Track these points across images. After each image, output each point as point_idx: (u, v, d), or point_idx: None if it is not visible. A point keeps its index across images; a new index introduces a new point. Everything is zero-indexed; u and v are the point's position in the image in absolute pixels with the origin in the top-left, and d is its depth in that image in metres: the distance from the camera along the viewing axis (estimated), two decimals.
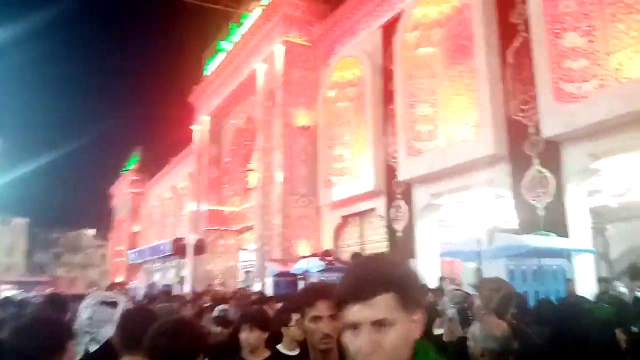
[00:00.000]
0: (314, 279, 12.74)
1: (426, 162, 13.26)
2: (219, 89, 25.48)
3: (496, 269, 7.22)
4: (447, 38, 14.11)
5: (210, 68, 26.45)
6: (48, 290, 22.36)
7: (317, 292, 2.09)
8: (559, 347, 4.24)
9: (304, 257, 15.58)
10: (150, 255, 33.30)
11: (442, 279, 10.67)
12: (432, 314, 5.57)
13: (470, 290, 6.94)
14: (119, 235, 45.74)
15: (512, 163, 11.04)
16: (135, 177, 42.69)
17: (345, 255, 15.51)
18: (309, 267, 13.80)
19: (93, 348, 2.78)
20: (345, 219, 17.26)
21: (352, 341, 1.05)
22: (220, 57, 25.04)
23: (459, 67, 13.61)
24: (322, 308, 1.97)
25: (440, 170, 12.77)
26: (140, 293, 18.78)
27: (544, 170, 10.30)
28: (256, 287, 15.83)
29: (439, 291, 8.20)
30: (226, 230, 25.12)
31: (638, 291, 7.84)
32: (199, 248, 25.33)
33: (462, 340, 3.46)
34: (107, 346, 2.62)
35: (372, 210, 15.79)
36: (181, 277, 28.08)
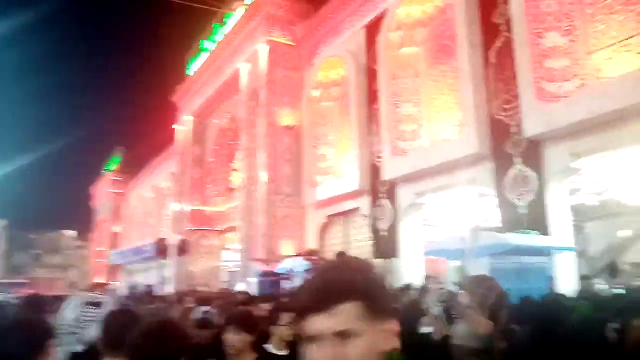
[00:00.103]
0: (298, 279, 12.70)
1: (410, 162, 13.32)
2: (202, 88, 25.27)
3: (480, 267, 7.27)
4: (430, 38, 14.19)
5: (193, 68, 26.24)
6: (27, 292, 21.91)
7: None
8: (541, 344, 4.27)
9: (289, 257, 15.53)
10: (133, 256, 32.91)
11: (427, 277, 10.72)
12: (418, 313, 5.57)
13: (455, 289, 6.97)
14: (100, 236, 45.13)
15: (495, 162, 11.14)
16: (117, 178, 42.18)
17: (330, 254, 15.50)
18: (294, 267, 13.76)
19: (78, 349, 2.75)
20: (330, 218, 17.25)
21: (314, 355, 0.95)
22: (203, 57, 24.85)
23: (442, 67, 13.70)
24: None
25: (424, 170, 12.84)
26: (122, 294, 18.50)
27: (526, 169, 10.42)
28: (240, 288, 15.73)
29: (425, 290, 8.22)
30: (210, 230, 24.94)
31: (617, 288, 7.98)
32: (182, 249, 25.08)
33: (447, 339, 3.46)
34: (93, 347, 2.59)
35: (356, 209, 15.81)
36: (164, 278, 27.77)
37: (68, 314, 2.91)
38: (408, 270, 12.97)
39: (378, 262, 13.87)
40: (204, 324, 5.23)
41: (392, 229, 14.06)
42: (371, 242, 14.81)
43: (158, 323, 2.00)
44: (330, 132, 17.86)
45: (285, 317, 2.82)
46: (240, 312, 3.65)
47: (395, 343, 1.01)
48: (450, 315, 5.31)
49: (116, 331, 2.23)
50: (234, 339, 3.18)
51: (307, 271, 13.08)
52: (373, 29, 15.24)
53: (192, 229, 24.82)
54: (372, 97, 15.13)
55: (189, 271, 24.80)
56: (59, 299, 4.99)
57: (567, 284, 8.71)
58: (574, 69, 10.00)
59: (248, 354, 3.19)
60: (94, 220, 48.80)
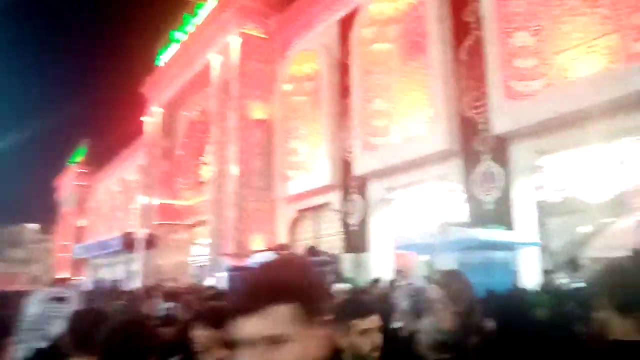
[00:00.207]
0: None
1: (381, 157, 13.43)
2: (172, 80, 24.79)
3: (449, 262, 7.40)
4: (402, 34, 14.30)
5: (162, 58, 25.70)
6: None
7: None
8: (508, 337, 4.38)
9: (259, 251, 15.45)
10: (98, 250, 32.17)
11: (398, 271, 10.85)
12: (387, 308, 5.62)
13: (424, 283, 7.07)
14: (64, 230, 43.84)
15: (463, 158, 11.34)
16: (82, 170, 41.06)
17: (301, 249, 15.50)
18: (264, 261, 13.67)
19: (42, 345, 2.68)
20: (301, 213, 17.24)
21: None
22: (173, 48, 24.37)
23: (414, 63, 13.84)
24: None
25: (394, 165, 12.96)
26: (87, 289, 18.05)
27: (493, 165, 10.65)
28: (209, 282, 15.56)
29: (394, 284, 8.32)
30: (178, 224, 24.58)
31: (577, 282, 8.25)
32: (150, 243, 24.65)
33: (414, 333, 3.50)
34: (57, 343, 2.54)
35: (327, 204, 15.85)
36: (131, 273, 27.26)
37: (31, 310, 2.83)
38: (378, 265, 13.10)
39: (348, 256, 13.97)
40: (167, 320, 5.13)
41: (363, 223, 14.16)
42: (341, 237, 14.88)
43: (125, 321, 1.97)
44: (302, 126, 17.82)
45: None
46: (208, 307, 3.59)
47: (331, 349, 0.95)
48: (418, 309, 5.38)
49: (83, 330, 2.20)
50: (202, 335, 3.11)
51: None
52: (346, 24, 15.25)
53: (161, 222, 24.42)
54: (344, 91, 15.16)
55: (156, 265, 24.41)
56: (21, 294, 4.82)
57: (530, 278, 8.96)
58: (541, 68, 10.26)
59: (217, 350, 3.13)
60: (58, 213, 47.36)
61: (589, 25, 9.79)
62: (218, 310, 3.49)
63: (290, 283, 0.91)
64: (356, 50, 14.58)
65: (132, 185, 31.73)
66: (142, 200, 26.54)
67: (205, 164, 23.58)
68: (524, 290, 7.41)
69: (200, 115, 22.88)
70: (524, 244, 9.36)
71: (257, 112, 18.17)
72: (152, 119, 26.86)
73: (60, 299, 2.94)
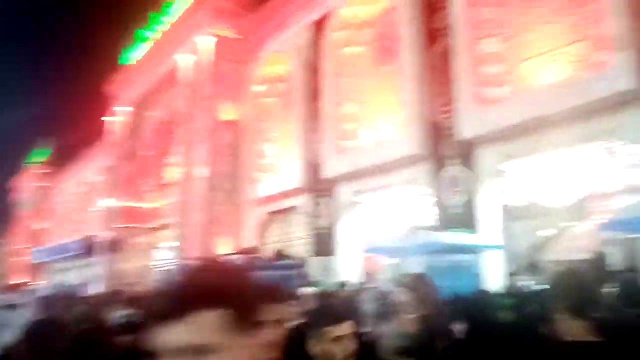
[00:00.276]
0: None
1: (351, 160, 13.46)
2: (139, 79, 24.22)
3: (416, 265, 7.44)
4: (374, 39, 14.42)
5: (129, 57, 25.12)
6: None
7: (262, 293, 1.86)
8: (471, 339, 4.40)
9: (226, 254, 15.21)
10: (58, 254, 31.02)
11: (366, 275, 10.87)
12: (355, 311, 5.60)
13: (391, 287, 7.08)
14: (20, 233, 42.16)
15: (432, 163, 11.48)
16: (41, 170, 39.64)
17: (269, 252, 15.35)
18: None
19: None
20: (270, 215, 17.09)
21: None
22: (141, 46, 23.85)
23: (385, 67, 13.95)
24: (266, 312, 1.74)
25: (364, 169, 13.01)
26: (45, 295, 17.35)
27: (460, 170, 10.82)
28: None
29: (361, 288, 8.31)
30: (142, 227, 23.99)
31: (538, 284, 8.44)
32: (112, 246, 23.95)
33: (378, 337, 3.48)
34: (9, 352, 2.42)
35: (296, 207, 15.76)
36: (92, 277, 26.41)
37: None
38: (346, 268, 13.09)
39: (316, 260, 13.92)
40: (129, 327, 4.93)
41: (331, 226, 14.14)
42: (310, 240, 14.81)
43: (86, 330, 1.88)
44: (272, 128, 17.70)
45: None
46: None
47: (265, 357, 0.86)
48: (383, 313, 5.38)
49: (40, 340, 2.11)
50: None
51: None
52: (319, 27, 15.26)
53: (124, 225, 23.77)
54: (315, 94, 15.14)
55: (119, 270, 23.72)
56: None
57: (495, 280, 9.12)
58: (507, 75, 10.52)
59: None
60: (14, 216, 45.51)
61: (555, 34, 10.10)
62: None
63: (219, 287, 0.83)
64: (328, 53, 14.61)
65: (95, 187, 30.85)
66: (104, 202, 25.81)
67: (171, 165, 23.12)
68: (488, 293, 7.52)
69: (167, 115, 22.41)
70: (488, 247, 9.53)
71: (227, 113, 17.94)
72: (116, 118, 26.19)
73: (11, 307, 2.79)
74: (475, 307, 5.59)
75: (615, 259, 8.20)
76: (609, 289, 6.12)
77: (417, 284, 3.46)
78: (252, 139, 17.62)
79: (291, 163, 15.87)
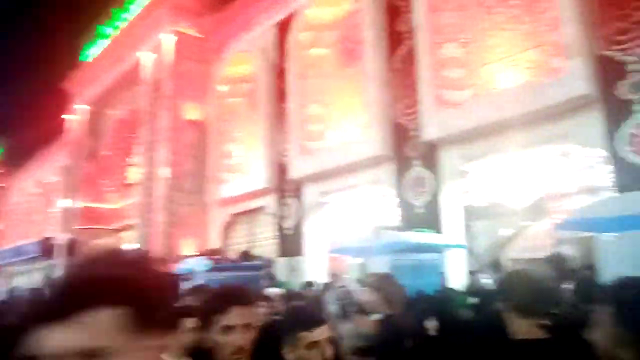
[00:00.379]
0: (200, 280, 12.25)
1: (316, 161, 13.50)
2: (99, 76, 23.51)
3: (382, 265, 7.53)
4: (339, 41, 14.50)
5: (89, 53, 24.37)
6: None
7: (231, 296, 1.78)
8: (435, 337, 4.49)
9: (190, 256, 14.96)
10: (13, 257, 29.80)
11: (332, 275, 10.91)
12: (316, 312, 5.60)
13: (356, 286, 7.14)
14: None
15: (396, 164, 11.66)
16: None
17: (235, 253, 15.21)
18: (195, 267, 13.26)
19: None
20: (235, 217, 16.93)
21: None
22: (101, 43, 23.19)
23: (349, 69, 14.05)
24: (236, 316, 1.69)
25: (329, 169, 13.07)
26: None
27: (423, 171, 11.03)
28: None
29: (326, 288, 8.35)
30: (103, 229, 23.33)
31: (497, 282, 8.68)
32: (71, 248, 23.17)
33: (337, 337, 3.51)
34: None
35: (262, 208, 15.68)
36: (50, 281, 25.47)
37: None
38: (312, 269, 13.12)
39: (282, 260, 13.89)
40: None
41: (298, 227, 14.14)
42: (276, 241, 14.77)
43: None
44: (237, 128, 17.54)
45: (187, 322, 2.58)
46: None
47: None
48: (346, 313, 5.42)
49: None
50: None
51: (208, 271, 12.69)
52: (284, 28, 15.22)
53: (83, 227, 23.05)
54: (280, 95, 15.10)
55: None
56: None
57: (457, 278, 9.34)
58: (468, 79, 10.79)
59: None
60: None
61: (513, 40, 10.44)
62: None
63: (116, 281, 0.69)
64: (293, 54, 14.59)
65: (52, 187, 29.80)
66: (63, 203, 24.95)
67: (133, 165, 22.57)
68: (451, 291, 7.70)
69: (128, 114, 21.85)
70: (451, 246, 9.75)
71: (191, 112, 17.66)
72: (75, 117, 25.35)
73: None
74: (439, 306, 5.72)
75: (572, 257, 8.55)
76: (566, 286, 6.38)
77: (382, 283, 3.50)
78: (217, 139, 17.41)
79: (257, 163, 15.78)
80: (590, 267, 6.67)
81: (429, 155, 10.98)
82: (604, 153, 8.48)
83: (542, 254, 8.94)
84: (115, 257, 0.75)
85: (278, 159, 14.99)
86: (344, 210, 14.61)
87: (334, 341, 1.83)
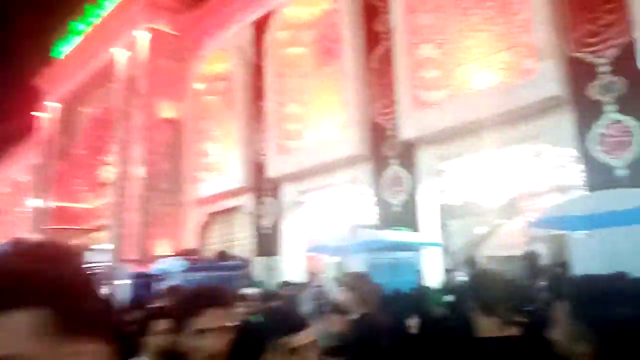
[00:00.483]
0: (175, 280, 12.10)
1: (294, 160, 13.46)
2: (72, 73, 22.96)
3: (359, 263, 7.56)
4: (317, 40, 14.49)
5: (61, 50, 23.79)
6: None
7: (206, 297, 1.70)
8: (411, 334, 4.52)
9: (165, 256, 14.74)
10: None
11: (309, 274, 10.90)
12: (292, 311, 5.59)
13: (333, 285, 7.15)
14: None
15: (373, 163, 11.72)
16: None
17: (212, 253, 15.06)
18: (170, 268, 13.08)
19: None
20: (212, 216, 16.76)
21: None
22: (74, 39, 22.66)
23: (327, 68, 14.06)
24: (210, 319, 1.62)
25: (307, 168, 13.06)
26: None
27: (400, 170, 11.12)
28: (105, 291, 14.53)
29: (303, 287, 8.33)
30: (76, 229, 22.81)
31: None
32: None
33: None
34: None
35: (239, 207, 15.56)
36: None
37: None
38: (290, 268, 13.08)
39: (259, 260, 13.81)
40: None
41: (275, 226, 14.08)
42: (254, 240, 14.68)
43: None
44: (214, 127, 17.37)
45: (161, 324, 2.50)
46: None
47: None
48: (321, 312, 5.42)
49: None
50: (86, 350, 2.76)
51: (184, 271, 12.53)
52: (261, 26, 15.12)
53: (55, 227, 22.48)
54: (257, 93, 15.01)
55: None
56: None
57: (433, 276, 9.44)
58: (444, 79, 10.92)
59: None
60: None
61: (487, 41, 10.60)
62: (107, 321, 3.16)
63: (35, 279, 0.59)
64: (270, 52, 14.52)
65: (22, 187, 29.02)
66: (34, 202, 24.31)
67: (107, 164, 22.13)
68: (427, 289, 7.78)
69: (102, 112, 21.41)
70: (428, 244, 9.85)
71: (166, 111, 17.41)
72: (47, 114, 24.73)
73: None
74: (415, 303, 5.76)
75: (545, 254, 8.73)
76: (540, 284, 6.50)
77: (358, 282, 3.50)
78: (193, 138, 17.21)
79: (234, 162, 15.65)
80: (563, 265, 6.82)
81: (406, 154, 11.06)
82: (575, 153, 8.68)
83: (515, 251, 9.12)
84: (31, 251, 0.64)
85: (255, 158, 14.90)
86: (321, 210, 14.62)
87: (316, 345, 1.76)
